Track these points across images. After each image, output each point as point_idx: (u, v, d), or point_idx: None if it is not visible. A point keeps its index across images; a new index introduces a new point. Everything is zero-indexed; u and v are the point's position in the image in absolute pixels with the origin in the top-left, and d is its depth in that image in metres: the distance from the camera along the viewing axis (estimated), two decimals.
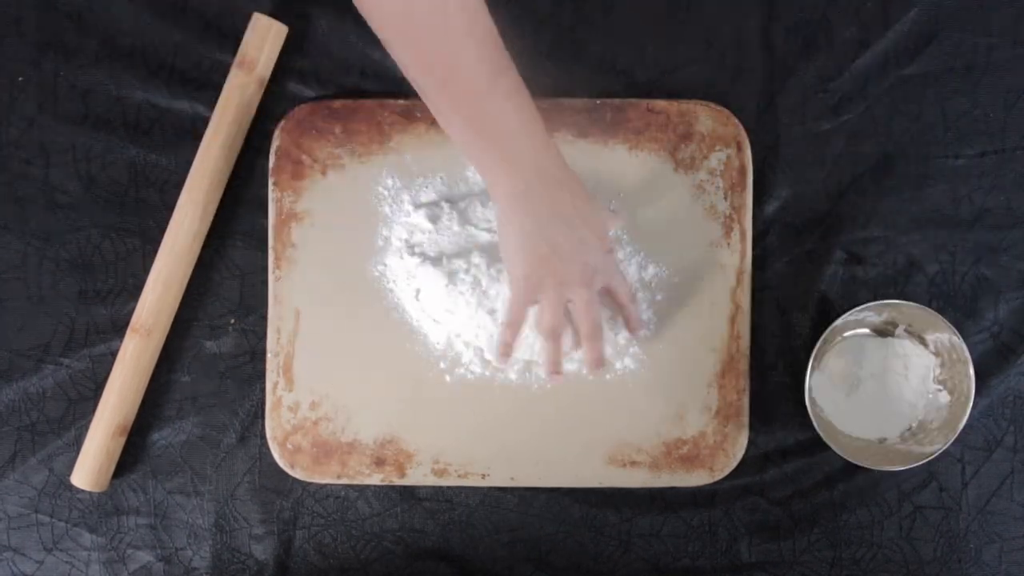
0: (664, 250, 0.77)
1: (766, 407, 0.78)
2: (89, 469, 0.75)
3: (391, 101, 0.77)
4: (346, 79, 0.79)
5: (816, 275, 0.78)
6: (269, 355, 0.77)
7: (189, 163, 0.76)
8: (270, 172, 0.77)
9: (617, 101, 0.77)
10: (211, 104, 0.77)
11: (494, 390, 0.76)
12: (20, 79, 0.79)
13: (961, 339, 0.72)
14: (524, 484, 0.77)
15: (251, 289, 0.78)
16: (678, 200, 0.77)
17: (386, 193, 0.77)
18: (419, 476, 0.76)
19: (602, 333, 0.69)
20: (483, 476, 0.76)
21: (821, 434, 0.73)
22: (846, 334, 0.78)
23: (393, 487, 0.78)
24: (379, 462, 0.76)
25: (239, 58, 0.76)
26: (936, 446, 0.73)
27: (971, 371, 0.73)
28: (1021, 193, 0.78)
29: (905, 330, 0.77)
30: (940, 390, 0.76)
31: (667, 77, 0.78)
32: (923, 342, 0.77)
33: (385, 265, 0.77)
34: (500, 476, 0.76)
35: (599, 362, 0.69)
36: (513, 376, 0.76)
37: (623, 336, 0.76)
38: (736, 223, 0.76)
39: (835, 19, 0.78)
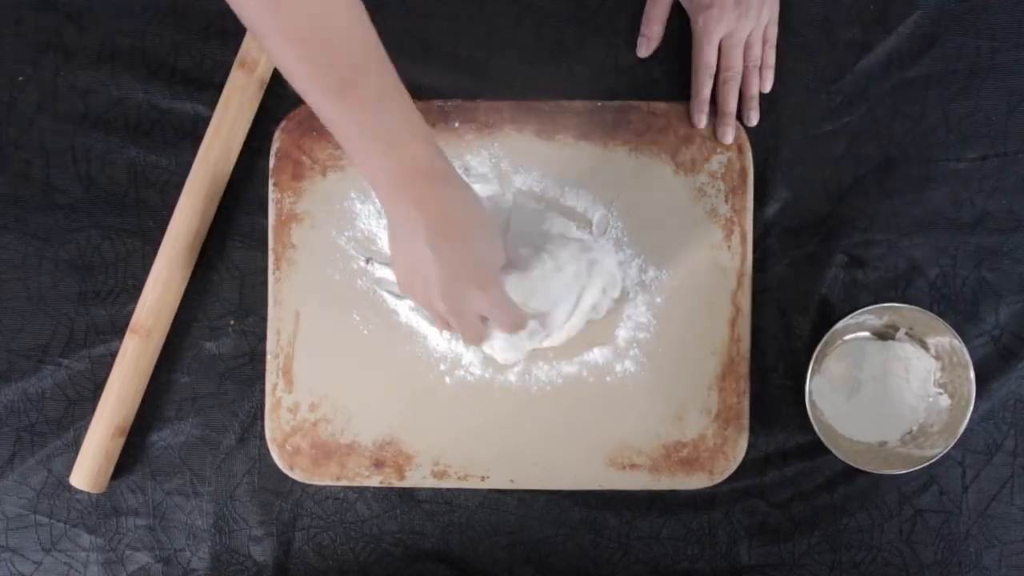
0: (664, 253, 0.76)
1: (766, 410, 0.77)
2: (88, 470, 0.75)
3: None
4: None
5: (817, 278, 0.78)
6: (269, 356, 0.77)
7: (189, 164, 0.76)
8: (270, 173, 0.77)
9: (618, 103, 0.77)
10: (212, 105, 0.77)
11: (494, 392, 0.76)
12: (20, 79, 0.79)
13: (962, 343, 0.72)
14: (524, 486, 0.77)
15: (251, 290, 0.78)
16: (678, 203, 0.77)
17: None
18: (419, 478, 0.76)
19: (483, 335, 0.68)
20: (483, 478, 0.76)
21: (821, 437, 0.73)
22: (847, 337, 0.78)
23: (392, 489, 0.78)
24: (378, 464, 0.76)
25: (240, 59, 0.76)
26: (936, 450, 0.73)
27: (972, 375, 0.72)
28: (1023, 197, 0.78)
29: (906, 333, 0.77)
30: (941, 394, 0.76)
31: (668, 79, 0.78)
32: (924, 345, 0.76)
33: (385, 266, 0.77)
34: (500, 478, 0.76)
35: (514, 330, 0.67)
36: (513, 378, 0.76)
37: (623, 338, 0.76)
38: (737, 225, 0.76)
39: (837, 21, 0.78)
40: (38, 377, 0.78)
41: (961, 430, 0.72)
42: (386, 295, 0.76)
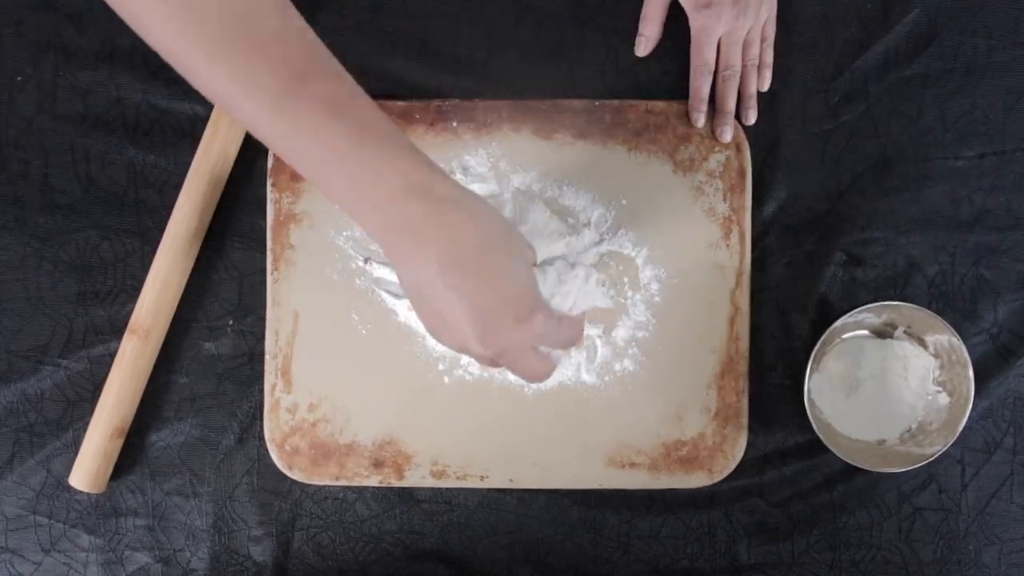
0: (663, 252, 0.76)
1: (765, 409, 0.77)
2: (87, 470, 0.75)
3: (390, 102, 0.77)
4: None
5: (815, 276, 0.78)
6: (267, 356, 0.77)
7: (188, 164, 0.76)
8: (269, 173, 0.77)
9: (616, 102, 0.77)
10: (210, 105, 0.77)
11: (493, 391, 0.76)
12: (19, 79, 0.79)
13: (961, 341, 0.72)
14: (523, 486, 0.77)
15: (249, 290, 0.78)
16: (677, 201, 0.77)
17: None
18: (418, 478, 0.76)
19: (547, 368, 0.59)
20: (482, 478, 0.76)
21: (820, 436, 0.73)
22: (845, 336, 0.78)
23: (392, 489, 0.78)
24: (378, 464, 0.76)
25: None
26: (935, 448, 0.73)
27: (971, 373, 0.73)
28: (1021, 194, 0.78)
29: (904, 332, 0.77)
30: (939, 392, 0.76)
31: (666, 78, 0.78)
32: (923, 344, 0.76)
33: (384, 266, 0.77)
34: (499, 478, 0.76)
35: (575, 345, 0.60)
36: (512, 378, 0.76)
37: (622, 337, 0.76)
38: (735, 224, 0.76)
39: (835, 19, 0.78)
40: (37, 378, 0.78)
41: (960, 428, 0.72)
42: (384, 295, 0.76)
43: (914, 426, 0.76)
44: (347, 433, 0.76)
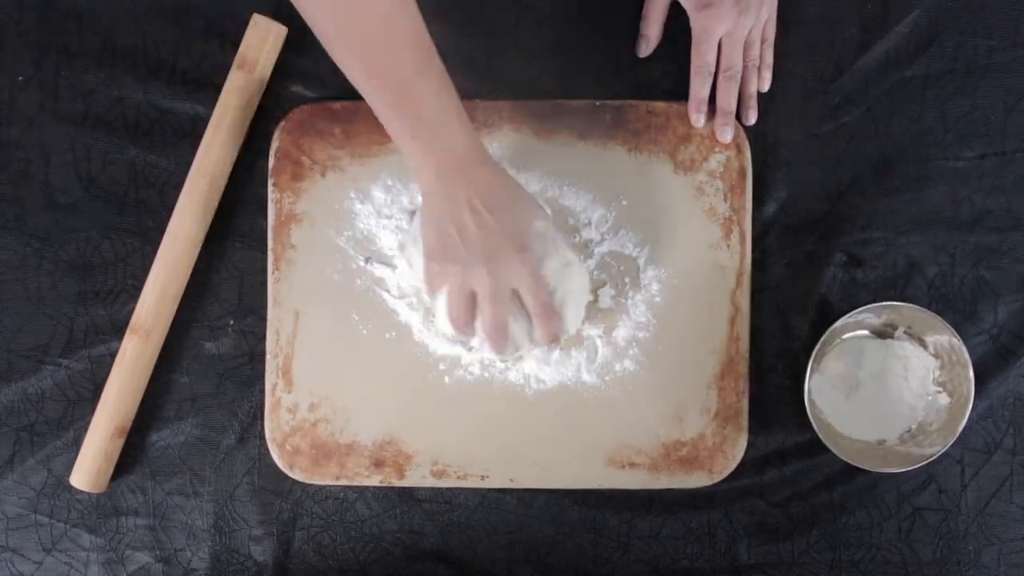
0: (663, 252, 0.77)
1: (765, 409, 0.78)
2: (88, 470, 0.75)
3: None
4: (346, 80, 0.78)
5: (816, 277, 0.78)
6: (268, 356, 0.77)
7: (189, 164, 0.76)
8: (270, 173, 0.77)
9: (617, 103, 0.77)
10: (211, 105, 0.77)
11: (493, 391, 0.76)
12: (20, 79, 0.79)
13: (961, 341, 0.72)
14: (523, 485, 0.77)
15: (250, 290, 0.78)
16: (677, 202, 0.77)
17: (385, 195, 0.77)
18: (418, 478, 0.76)
19: (508, 332, 0.67)
20: (482, 477, 0.76)
21: (820, 436, 0.73)
22: (845, 336, 0.78)
23: (392, 488, 0.78)
24: (378, 463, 0.76)
25: (239, 59, 0.76)
26: (935, 448, 0.73)
27: (971, 373, 0.73)
28: (1021, 195, 0.78)
29: (904, 332, 0.77)
30: (939, 392, 0.76)
31: (667, 78, 0.78)
32: (923, 344, 0.76)
33: (385, 267, 0.77)
34: (499, 477, 0.76)
35: (552, 340, 0.69)
36: (512, 378, 0.76)
37: (622, 337, 0.76)
38: (735, 225, 0.76)
39: (835, 20, 0.78)
40: (38, 377, 0.78)
41: (960, 428, 0.73)
42: (385, 295, 0.76)
43: (914, 426, 0.77)
44: (348, 433, 0.76)
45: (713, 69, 0.76)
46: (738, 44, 0.75)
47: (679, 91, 0.77)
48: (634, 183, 0.77)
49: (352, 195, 0.77)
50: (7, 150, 0.79)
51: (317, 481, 0.77)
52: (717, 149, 0.77)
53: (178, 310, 0.77)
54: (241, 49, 0.77)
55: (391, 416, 0.76)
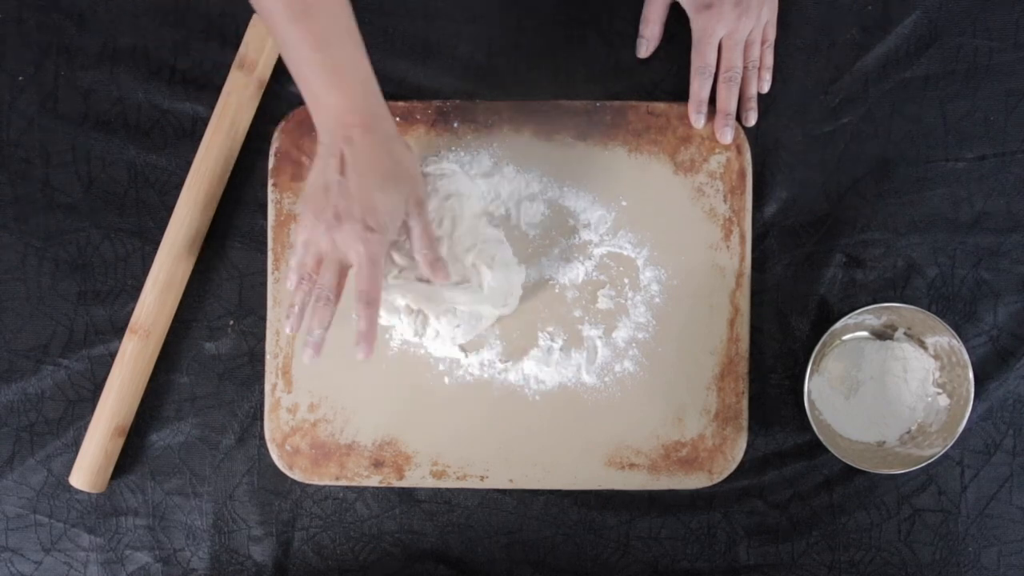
0: (663, 253, 0.77)
1: (765, 410, 0.78)
2: (87, 470, 0.75)
3: (390, 103, 0.77)
4: None
5: (815, 278, 0.78)
6: (268, 356, 0.77)
7: (189, 164, 0.76)
8: (270, 173, 0.77)
9: (617, 103, 0.77)
10: (211, 105, 0.77)
11: (493, 392, 0.76)
12: (21, 79, 0.79)
13: (960, 342, 0.72)
14: (523, 486, 0.77)
15: (250, 290, 0.78)
16: (677, 203, 0.77)
17: None
18: (418, 478, 0.76)
19: (327, 297, 0.66)
20: (482, 478, 0.76)
21: (820, 437, 0.73)
22: (845, 337, 0.78)
23: (392, 489, 0.78)
24: (378, 464, 0.76)
25: (239, 59, 0.76)
26: (935, 449, 0.73)
27: (970, 374, 0.73)
28: (1021, 197, 0.78)
29: (904, 333, 0.77)
30: (939, 393, 0.76)
31: (667, 79, 0.78)
32: (922, 345, 0.76)
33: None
34: (499, 478, 0.76)
35: (366, 339, 0.67)
36: (512, 378, 0.76)
37: (622, 338, 0.76)
38: (735, 226, 0.76)
39: (836, 21, 0.78)
40: (38, 377, 0.78)
41: (960, 430, 0.72)
42: (385, 296, 0.76)
43: (914, 428, 0.77)
44: (347, 433, 0.76)
45: (713, 70, 0.76)
46: (738, 45, 0.75)
47: (679, 92, 0.77)
48: (634, 184, 0.77)
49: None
50: (7, 150, 0.79)
51: (317, 481, 0.77)
52: (717, 150, 0.77)
53: (178, 310, 0.77)
54: (241, 49, 0.77)
55: (391, 416, 0.76)
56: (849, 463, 0.73)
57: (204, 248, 0.78)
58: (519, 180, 0.77)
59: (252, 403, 0.78)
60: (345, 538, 0.78)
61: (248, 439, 0.78)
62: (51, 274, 0.79)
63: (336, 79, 0.63)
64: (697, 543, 0.78)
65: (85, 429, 0.76)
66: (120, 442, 0.77)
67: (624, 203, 0.77)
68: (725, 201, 0.77)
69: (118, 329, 0.77)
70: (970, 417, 0.73)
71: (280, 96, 0.79)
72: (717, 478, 0.76)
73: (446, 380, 0.76)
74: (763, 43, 0.77)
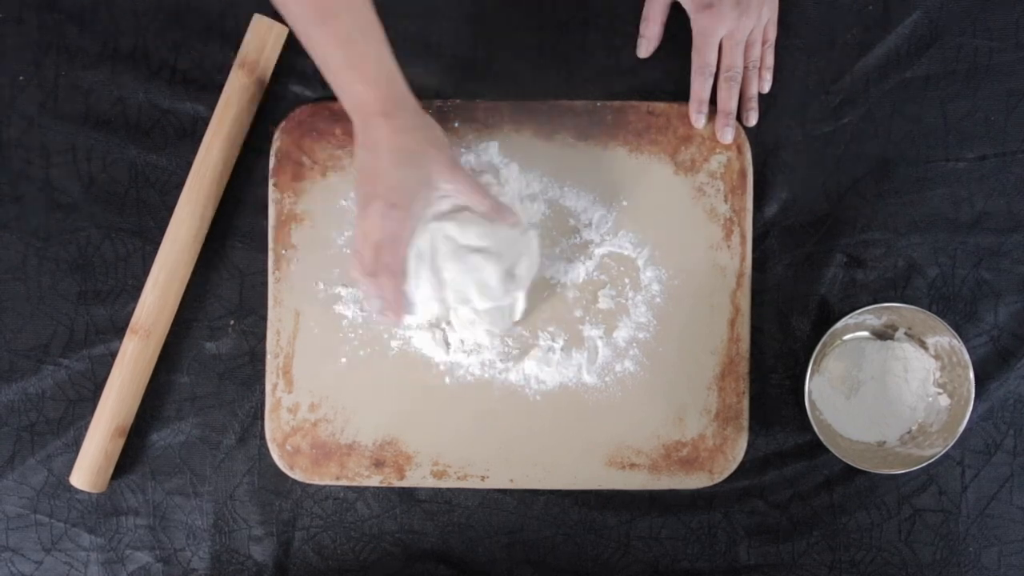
0: (664, 252, 0.77)
1: (766, 410, 0.78)
2: (88, 470, 0.75)
3: None
4: None
5: (816, 278, 0.78)
6: (269, 356, 0.77)
7: (189, 164, 0.76)
8: (270, 173, 0.77)
9: (617, 103, 0.77)
10: (212, 105, 0.77)
11: (493, 392, 0.76)
12: (21, 79, 0.79)
13: (961, 342, 0.72)
14: (523, 486, 0.77)
15: (251, 290, 0.78)
16: (678, 202, 0.77)
17: None
18: (418, 478, 0.76)
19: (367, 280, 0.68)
20: (482, 478, 0.76)
21: (821, 437, 0.73)
22: (846, 337, 0.78)
23: (392, 489, 0.78)
24: (378, 464, 0.76)
25: (240, 59, 0.76)
26: (936, 449, 0.73)
27: (971, 375, 0.73)
28: (1021, 197, 0.78)
29: (905, 333, 0.77)
30: (940, 393, 0.76)
31: (668, 79, 0.78)
32: (923, 345, 0.76)
33: None
34: (499, 478, 0.76)
35: (388, 307, 0.69)
36: (512, 378, 0.76)
37: (623, 338, 0.76)
38: (736, 225, 0.76)
39: (836, 21, 0.78)
40: (38, 377, 0.78)
41: (960, 430, 0.73)
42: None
43: (914, 428, 0.77)
44: (348, 433, 0.76)
45: (714, 70, 0.76)
46: (739, 45, 0.75)
47: (680, 92, 0.77)
48: (635, 184, 0.77)
49: (352, 195, 0.77)
50: (8, 150, 0.79)
51: (317, 481, 0.77)
52: (718, 150, 0.77)
53: (179, 310, 0.77)
54: (242, 49, 0.77)
55: (391, 416, 0.76)
56: (850, 463, 0.73)
57: (205, 248, 0.78)
58: (520, 180, 0.77)
59: (253, 403, 0.78)
60: (346, 538, 0.78)
61: (249, 439, 0.78)
62: (52, 274, 0.79)
63: (360, 74, 0.65)
64: (698, 543, 0.78)
65: (85, 429, 0.76)
66: (121, 442, 0.76)
67: (625, 203, 0.77)
68: (726, 201, 0.77)
69: (119, 329, 0.77)
70: (971, 417, 0.73)
71: (281, 96, 0.79)
72: (718, 478, 0.76)
73: (447, 380, 0.76)
74: (764, 43, 0.77)
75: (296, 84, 0.79)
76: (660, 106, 0.77)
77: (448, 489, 0.78)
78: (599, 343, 0.76)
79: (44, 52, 0.79)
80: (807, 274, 0.78)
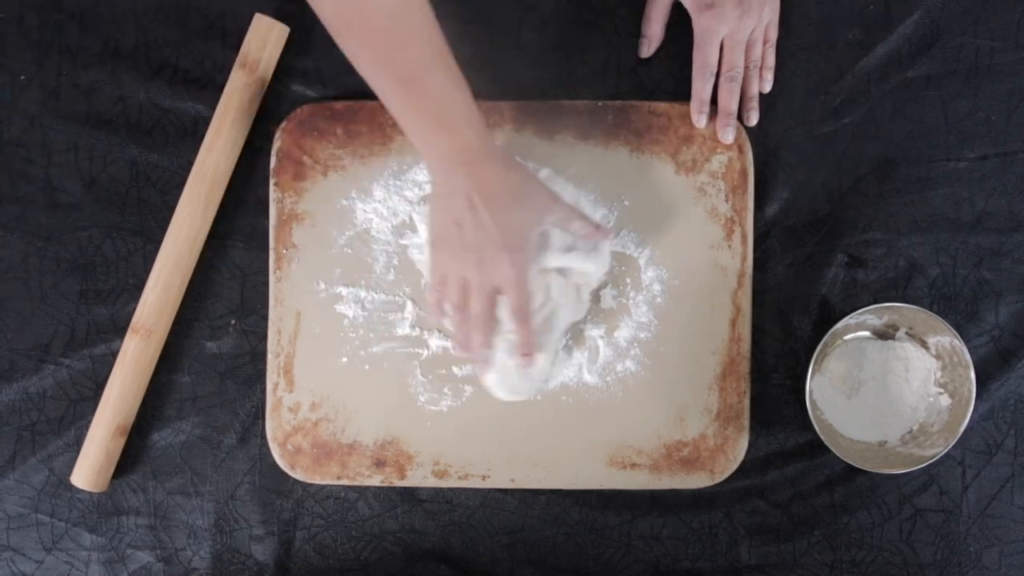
0: (665, 252, 0.77)
1: (767, 410, 0.78)
2: (89, 469, 0.75)
3: None
4: (348, 80, 0.79)
5: (817, 278, 0.78)
6: (270, 356, 0.77)
7: (190, 163, 0.76)
8: (271, 173, 0.77)
9: (619, 103, 0.77)
10: (213, 104, 0.77)
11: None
12: (22, 78, 0.79)
13: (962, 342, 0.72)
14: (524, 486, 0.77)
15: (252, 290, 0.78)
16: (679, 202, 0.77)
17: (387, 194, 0.77)
18: (419, 477, 0.76)
19: (484, 327, 0.68)
20: (483, 478, 0.76)
21: (822, 437, 0.73)
22: (847, 337, 0.78)
23: (393, 488, 0.78)
24: (379, 463, 0.76)
25: (241, 59, 0.76)
26: (936, 449, 0.73)
27: (972, 374, 0.73)
28: (1022, 196, 0.78)
29: (906, 333, 0.77)
30: (941, 393, 0.76)
31: (669, 79, 0.78)
32: (924, 345, 0.77)
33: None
34: (500, 478, 0.76)
35: (524, 350, 0.69)
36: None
37: (624, 338, 0.76)
38: (737, 225, 0.76)
39: (837, 21, 0.78)
40: (39, 376, 0.78)
41: (961, 430, 0.73)
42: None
43: (915, 427, 0.77)
44: (349, 433, 0.76)
45: (715, 70, 0.76)
46: (740, 45, 0.75)
47: (681, 92, 0.77)
48: (636, 183, 0.77)
49: (353, 194, 0.77)
50: (9, 149, 0.79)
51: (318, 481, 0.77)
52: (719, 150, 0.77)
53: (180, 309, 0.77)
54: (243, 49, 0.77)
55: (392, 416, 0.76)
56: (851, 463, 0.73)
57: (206, 247, 0.78)
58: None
59: (254, 402, 0.78)
60: (347, 537, 0.78)
61: (250, 438, 0.78)
62: (52, 273, 0.79)
63: (441, 127, 0.64)
64: (699, 543, 0.78)
65: (86, 428, 0.76)
66: (121, 441, 0.76)
67: (626, 203, 0.77)
68: (727, 201, 0.77)
69: (120, 328, 0.77)
70: (972, 417, 0.73)
71: (282, 96, 0.79)
72: (719, 478, 0.76)
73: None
74: (765, 43, 0.77)
75: (297, 84, 0.79)
76: (661, 106, 0.77)
77: (449, 489, 0.78)
78: (600, 343, 0.76)
79: (45, 52, 0.79)
80: (808, 274, 0.78)
